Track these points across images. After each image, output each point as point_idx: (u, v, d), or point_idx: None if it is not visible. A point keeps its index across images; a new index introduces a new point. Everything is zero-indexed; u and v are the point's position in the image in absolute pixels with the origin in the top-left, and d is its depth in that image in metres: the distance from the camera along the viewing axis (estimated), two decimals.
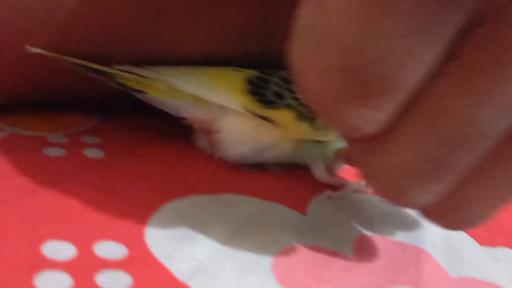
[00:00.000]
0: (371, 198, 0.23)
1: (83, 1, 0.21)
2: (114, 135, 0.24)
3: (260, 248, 0.18)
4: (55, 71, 0.22)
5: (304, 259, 0.18)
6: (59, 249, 0.16)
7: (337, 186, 0.23)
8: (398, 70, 0.12)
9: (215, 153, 0.23)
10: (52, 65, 0.21)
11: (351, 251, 0.19)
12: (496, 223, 0.21)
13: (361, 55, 0.12)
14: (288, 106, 0.22)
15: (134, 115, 0.26)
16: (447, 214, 0.15)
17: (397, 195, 0.14)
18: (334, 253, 0.19)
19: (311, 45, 0.12)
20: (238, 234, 0.19)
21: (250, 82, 0.22)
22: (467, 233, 0.22)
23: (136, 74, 0.21)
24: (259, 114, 0.22)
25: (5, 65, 0.22)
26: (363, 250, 0.20)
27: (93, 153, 0.22)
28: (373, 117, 0.13)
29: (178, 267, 0.16)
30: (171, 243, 0.17)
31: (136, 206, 0.19)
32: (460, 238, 0.22)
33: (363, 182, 0.23)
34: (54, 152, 0.21)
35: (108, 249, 0.16)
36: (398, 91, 0.13)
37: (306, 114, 0.22)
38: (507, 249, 0.22)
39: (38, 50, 0.20)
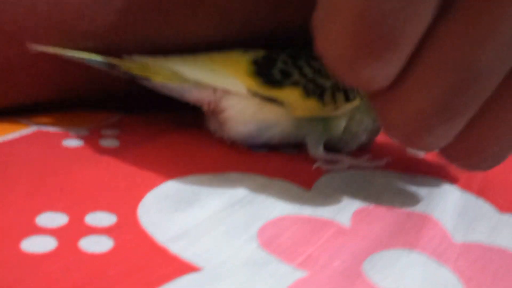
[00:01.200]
0: (385, 174, 0.23)
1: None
2: (132, 128, 0.25)
3: (251, 217, 0.19)
4: (81, 75, 0.24)
5: (294, 226, 0.18)
6: (53, 218, 0.17)
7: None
8: (403, 23, 0.14)
9: (224, 135, 0.24)
10: (78, 69, 0.23)
11: (348, 219, 0.19)
12: None
13: (370, 12, 0.13)
14: (295, 84, 0.22)
15: (155, 110, 0.27)
16: (464, 155, 0.17)
17: (414, 140, 0.16)
18: (327, 221, 0.19)
19: (328, 11, 0.14)
20: (232, 206, 0.19)
21: (256, 63, 0.23)
22: (487, 200, 0.21)
23: (139, 63, 0.23)
24: (264, 95, 0.22)
25: (33, 72, 0.24)
26: (362, 219, 0.19)
27: (109, 143, 0.23)
28: (385, 71, 0.15)
29: (161, 233, 0.17)
30: (161, 213, 0.18)
31: (138, 183, 0.20)
32: (478, 205, 0.21)
33: (365, 159, 0.23)
34: (72, 143, 0.23)
35: (99, 218, 0.18)
36: (405, 44, 0.14)
37: (314, 90, 0.22)
38: None
39: (42, 48, 0.22)
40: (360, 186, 0.22)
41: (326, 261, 0.17)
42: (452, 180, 0.23)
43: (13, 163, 0.21)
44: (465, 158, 0.17)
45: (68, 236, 0.16)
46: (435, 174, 0.23)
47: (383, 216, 0.19)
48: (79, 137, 0.24)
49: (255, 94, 0.22)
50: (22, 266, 0.15)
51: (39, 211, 0.17)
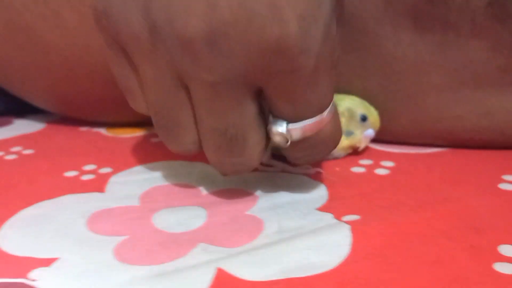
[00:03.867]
0: (295, 177, 0.29)
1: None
2: None
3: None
4: None
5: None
6: None
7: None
8: (176, 124, 0.23)
9: None
10: None
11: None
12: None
13: (156, 119, 0.24)
14: None
15: None
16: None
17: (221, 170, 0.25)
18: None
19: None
20: None
21: None
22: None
23: None
24: None
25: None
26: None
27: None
28: (186, 146, 0.24)
29: None
30: None
31: None
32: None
33: (301, 167, 0.30)
34: None
35: None
36: (183, 129, 0.23)
37: None
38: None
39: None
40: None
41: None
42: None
43: None
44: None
45: None
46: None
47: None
48: None
49: None
50: None
51: None
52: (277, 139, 0.23)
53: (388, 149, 0.33)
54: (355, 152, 0.32)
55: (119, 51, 0.23)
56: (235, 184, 0.28)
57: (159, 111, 0.23)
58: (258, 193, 0.27)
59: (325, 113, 0.23)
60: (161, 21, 0.20)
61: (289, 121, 0.23)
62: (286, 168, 0.30)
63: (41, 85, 0.36)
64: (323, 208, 0.25)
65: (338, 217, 0.24)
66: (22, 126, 0.40)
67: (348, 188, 0.28)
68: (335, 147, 0.25)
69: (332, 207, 0.25)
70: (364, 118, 0.31)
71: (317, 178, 0.29)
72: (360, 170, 0.30)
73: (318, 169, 0.30)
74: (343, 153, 0.31)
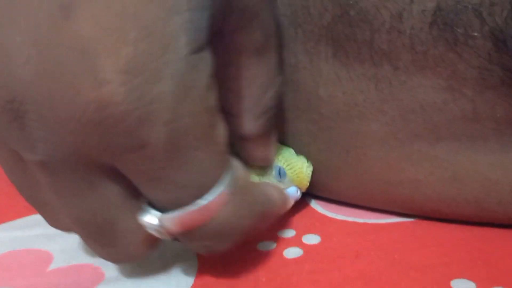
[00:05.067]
0: None
1: None
2: None
3: None
4: None
5: None
6: None
7: None
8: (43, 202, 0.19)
9: None
10: None
11: None
12: None
13: None
14: None
15: None
16: None
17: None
18: None
19: None
20: None
21: None
22: None
23: None
24: None
25: None
26: None
27: None
28: (63, 226, 0.20)
29: None
30: None
31: None
32: None
33: None
34: None
35: None
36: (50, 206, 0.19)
37: None
38: None
39: None
40: None
41: None
42: None
43: None
44: None
45: None
46: None
47: None
48: None
49: None
50: None
51: None
52: (149, 231, 0.18)
53: (329, 212, 0.25)
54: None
55: None
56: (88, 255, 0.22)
57: (20, 190, 0.19)
58: (106, 276, 0.21)
59: (212, 195, 0.17)
60: None
61: (161, 209, 0.17)
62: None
63: None
64: None
65: None
66: None
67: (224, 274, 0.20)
68: (240, 234, 0.19)
69: None
70: (281, 173, 0.23)
71: (202, 258, 0.22)
72: (269, 247, 0.22)
73: None
74: None
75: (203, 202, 0.17)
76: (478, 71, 0.18)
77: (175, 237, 0.18)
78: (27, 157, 0.16)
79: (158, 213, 0.18)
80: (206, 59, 0.16)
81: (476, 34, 0.17)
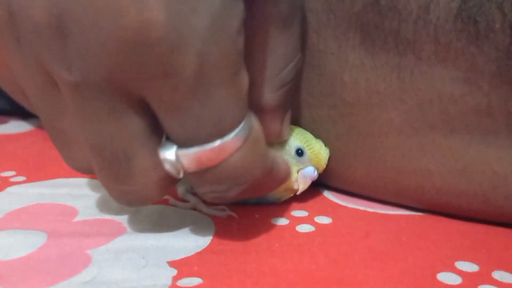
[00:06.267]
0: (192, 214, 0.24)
1: None
2: None
3: None
4: None
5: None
6: None
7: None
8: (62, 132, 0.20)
9: None
10: None
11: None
12: None
13: None
14: None
15: None
16: None
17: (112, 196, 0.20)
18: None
19: None
20: None
21: None
22: None
23: None
24: None
25: None
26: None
27: None
28: (77, 163, 0.20)
29: None
30: None
31: None
32: None
33: (216, 208, 0.24)
34: None
35: None
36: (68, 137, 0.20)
37: None
38: None
39: None
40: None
41: None
42: None
43: None
44: None
45: None
46: None
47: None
48: None
49: None
50: None
51: None
52: (166, 167, 0.19)
53: (341, 200, 0.26)
54: (295, 197, 0.25)
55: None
56: (112, 213, 0.24)
57: (41, 115, 0.20)
58: (128, 230, 0.22)
59: (229, 137, 0.17)
60: (16, 2, 0.17)
61: (180, 145, 0.18)
62: (198, 205, 0.24)
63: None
64: (174, 264, 0.20)
65: (179, 276, 0.18)
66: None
67: (239, 237, 0.21)
68: (249, 184, 0.19)
69: (188, 263, 0.20)
70: (299, 152, 0.24)
71: (220, 224, 0.23)
72: (282, 222, 0.23)
73: (232, 213, 0.24)
74: (278, 196, 0.25)
75: (219, 141, 0.17)
76: (496, 64, 0.20)
77: (188, 177, 0.19)
78: (62, 76, 0.17)
79: (174, 148, 0.18)
80: (239, 5, 0.17)
81: (497, 26, 0.19)
